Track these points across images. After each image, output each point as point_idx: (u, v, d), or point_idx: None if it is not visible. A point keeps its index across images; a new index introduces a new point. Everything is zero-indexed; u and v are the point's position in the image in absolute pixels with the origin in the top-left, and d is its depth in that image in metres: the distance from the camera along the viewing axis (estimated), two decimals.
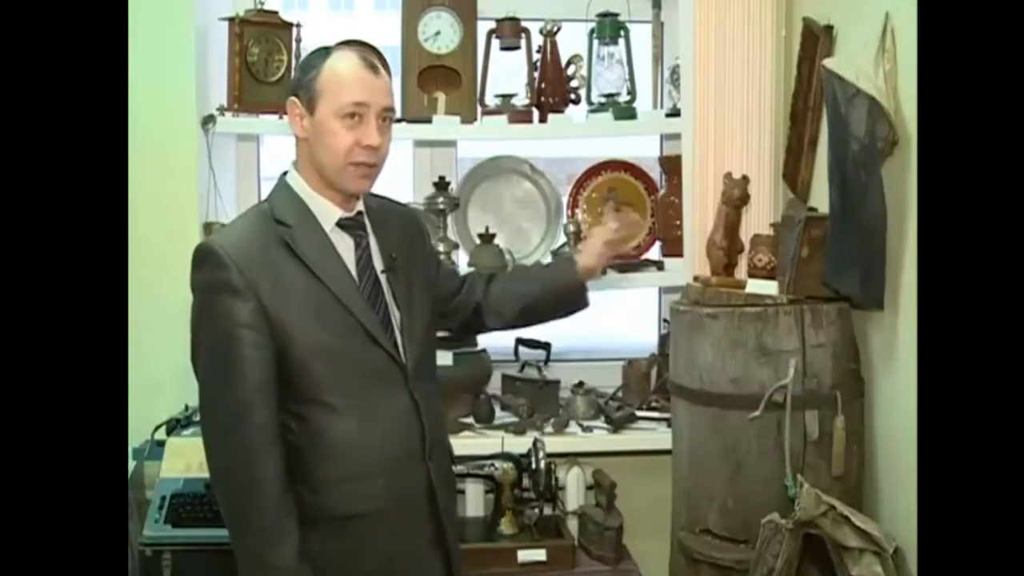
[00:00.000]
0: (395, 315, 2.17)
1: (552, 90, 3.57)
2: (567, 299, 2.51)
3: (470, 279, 2.50)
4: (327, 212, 2.14)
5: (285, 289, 2.04)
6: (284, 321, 2.02)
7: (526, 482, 3.14)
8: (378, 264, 2.19)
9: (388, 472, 2.10)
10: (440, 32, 3.53)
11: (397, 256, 2.22)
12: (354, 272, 2.14)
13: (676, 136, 3.43)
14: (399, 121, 3.47)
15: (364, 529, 2.09)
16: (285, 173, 2.20)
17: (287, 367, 2.04)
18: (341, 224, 2.15)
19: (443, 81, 3.54)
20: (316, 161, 2.12)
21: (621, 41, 3.57)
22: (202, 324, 2.08)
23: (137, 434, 2.96)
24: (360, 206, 2.20)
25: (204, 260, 2.07)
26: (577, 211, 3.77)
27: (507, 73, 3.62)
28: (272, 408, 2.02)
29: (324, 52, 2.13)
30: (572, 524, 3.29)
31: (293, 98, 2.12)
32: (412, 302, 2.22)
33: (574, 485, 3.37)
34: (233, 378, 2.01)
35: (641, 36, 3.67)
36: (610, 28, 3.55)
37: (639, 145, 3.88)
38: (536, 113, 3.55)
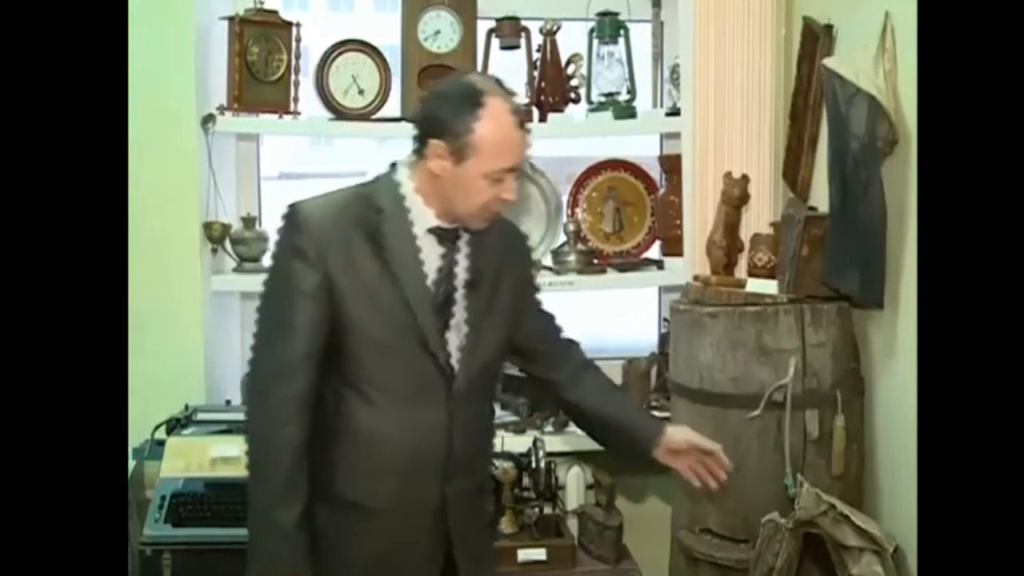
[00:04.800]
0: (461, 331, 2.15)
1: (552, 89, 3.57)
2: (628, 450, 2.45)
3: (564, 348, 2.41)
4: (424, 216, 2.11)
5: (356, 271, 2.05)
6: (346, 304, 2.05)
7: (526, 481, 3.14)
8: (462, 276, 2.15)
9: (400, 476, 2.11)
10: (440, 31, 3.53)
11: (485, 273, 2.17)
12: (431, 279, 2.11)
13: (676, 135, 3.43)
14: (399, 120, 3.48)
15: (365, 521, 2.12)
16: (395, 165, 2.16)
17: (338, 347, 2.07)
18: (433, 231, 2.12)
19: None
20: (445, 198, 2.09)
21: (621, 40, 3.57)
22: (271, 280, 2.11)
23: (137, 434, 2.96)
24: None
25: (288, 221, 2.09)
26: (577, 210, 3.76)
27: (507, 72, 3.61)
28: (312, 379, 2.06)
29: (476, 96, 2.03)
30: (572, 523, 3.28)
31: (437, 142, 2.04)
32: (485, 323, 2.18)
33: (574, 484, 3.37)
34: (282, 341, 2.05)
35: (641, 35, 3.67)
36: (610, 27, 3.55)
37: (639, 144, 3.88)
38: (536, 112, 3.54)
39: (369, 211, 2.09)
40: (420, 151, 2.09)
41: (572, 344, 2.44)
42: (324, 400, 2.09)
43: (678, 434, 2.33)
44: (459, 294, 2.15)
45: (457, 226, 2.14)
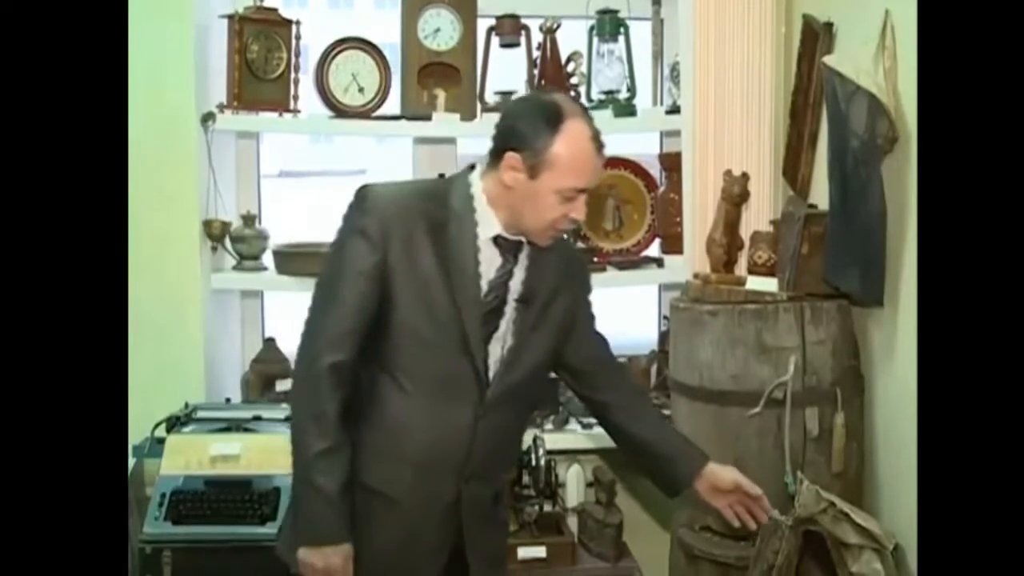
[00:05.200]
0: (505, 343, 2.17)
1: (552, 87, 3.56)
2: (666, 480, 2.40)
3: (615, 371, 2.43)
4: (489, 223, 2.14)
5: (413, 262, 2.09)
6: (396, 291, 2.08)
7: (526, 479, 3.14)
8: (515, 290, 2.17)
9: (417, 469, 2.14)
10: (440, 29, 3.53)
11: (539, 291, 2.20)
12: (484, 287, 2.14)
13: (676, 133, 3.43)
14: (398, 119, 3.49)
15: (380, 508, 2.15)
16: (472, 167, 2.19)
17: (382, 333, 2.10)
18: (496, 241, 2.15)
19: (443, 78, 3.54)
20: (514, 211, 2.11)
21: (621, 38, 3.57)
22: (332, 255, 2.16)
23: (137, 432, 2.96)
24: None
25: (359, 200, 2.13)
26: None
27: (507, 70, 3.62)
28: (354, 355, 2.09)
29: (558, 113, 2.06)
30: (572, 521, 3.29)
31: (514, 153, 2.06)
32: (530, 339, 2.20)
33: (574, 482, 3.37)
34: (332, 316, 2.09)
35: (641, 33, 3.67)
36: (610, 25, 3.55)
37: (639, 142, 3.88)
38: None
39: (437, 207, 2.13)
40: (495, 161, 2.12)
41: (623, 368, 2.47)
42: (360, 381, 2.13)
43: (726, 473, 2.33)
44: (509, 307, 2.17)
45: (520, 239, 2.16)
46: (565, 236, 2.32)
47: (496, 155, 2.11)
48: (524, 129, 2.07)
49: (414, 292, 2.09)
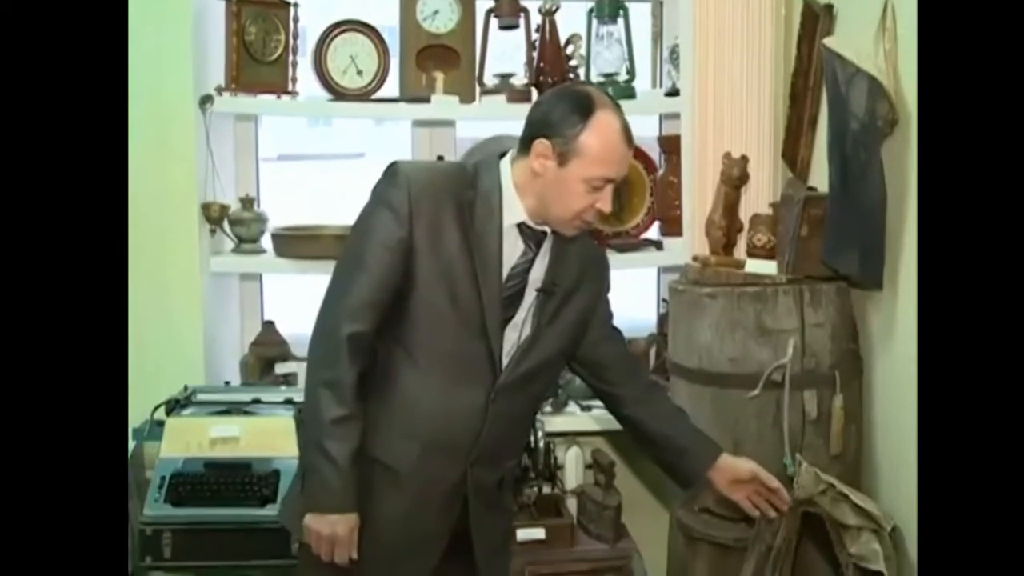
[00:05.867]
0: (522, 331, 2.18)
1: (551, 69, 3.55)
2: (679, 473, 2.42)
3: (630, 365, 2.44)
4: (515, 209, 2.15)
5: (437, 241, 2.10)
6: (420, 267, 2.09)
7: (525, 461, 3.14)
8: (535, 280, 2.19)
9: (425, 446, 2.15)
10: (438, 11, 3.52)
11: (559, 283, 2.21)
12: (506, 271, 2.15)
13: (675, 116, 3.43)
14: (397, 101, 3.48)
15: (387, 482, 2.15)
16: (503, 154, 2.20)
17: (401, 308, 2.11)
18: (521, 228, 2.16)
19: (442, 60, 3.53)
20: (542, 199, 2.12)
21: (620, 20, 3.55)
22: (357, 226, 2.16)
23: (136, 414, 2.97)
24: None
25: (389, 175, 2.14)
26: None
27: (506, 52, 3.61)
28: (373, 326, 2.10)
29: (590, 103, 2.09)
30: (571, 503, 3.29)
31: (544, 140, 2.09)
32: (547, 330, 2.21)
33: (573, 464, 3.38)
34: (354, 286, 2.09)
35: (640, 15, 3.66)
36: (609, 7, 3.53)
37: (638, 125, 3.82)
38: (535, 92, 3.53)
39: (466, 188, 2.14)
40: (525, 148, 2.13)
41: (638, 362, 2.49)
42: (376, 354, 2.13)
43: (743, 464, 2.35)
44: (528, 296, 2.18)
45: (544, 228, 2.18)
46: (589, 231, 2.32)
47: (526, 143, 2.13)
48: (555, 117, 2.09)
49: (437, 271, 2.10)
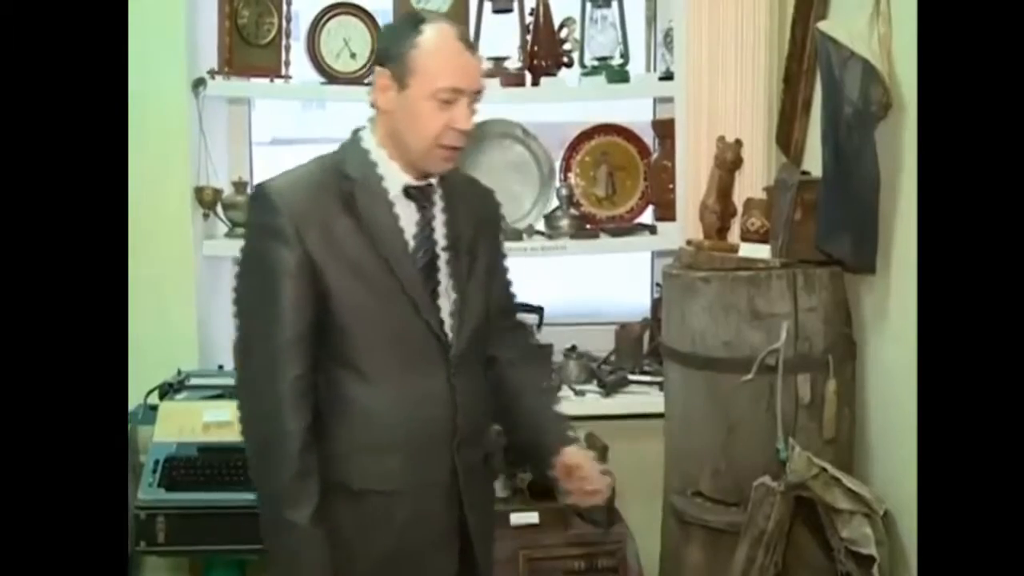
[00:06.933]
0: (449, 296, 2.10)
1: (545, 53, 3.54)
2: (527, 451, 2.33)
3: (516, 327, 2.36)
4: (396, 177, 2.07)
5: (334, 244, 1.99)
6: (329, 278, 1.99)
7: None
8: (441, 240, 2.11)
9: (407, 452, 2.06)
10: None
11: (463, 236, 2.13)
12: (411, 243, 2.06)
13: (669, 99, 3.42)
14: None
15: (378, 507, 2.05)
16: (358, 130, 2.12)
17: (326, 325, 2.00)
18: (408, 192, 2.08)
19: None
20: (399, 138, 2.05)
21: (614, 3, 3.55)
22: (247, 266, 2.05)
23: (130, 399, 2.96)
24: (433, 178, 2.12)
25: (256, 201, 2.05)
26: (570, 175, 3.76)
27: (499, 36, 3.59)
28: (307, 363, 1.99)
29: (417, 22, 2.03)
30: None
31: (382, 69, 2.03)
32: (469, 287, 2.13)
33: None
34: (271, 328, 1.98)
35: None
36: None
37: (632, 109, 3.86)
38: (529, 76, 3.53)
39: (340, 179, 2.04)
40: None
41: (523, 327, 2.39)
42: (317, 390, 2.03)
43: (579, 457, 2.18)
44: (441, 260, 2.10)
45: (430, 182, 2.10)
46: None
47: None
48: (386, 44, 2.06)
49: (347, 273, 2.00)
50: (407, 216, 2.08)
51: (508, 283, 2.34)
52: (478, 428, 2.18)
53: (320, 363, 2.02)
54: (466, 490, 2.13)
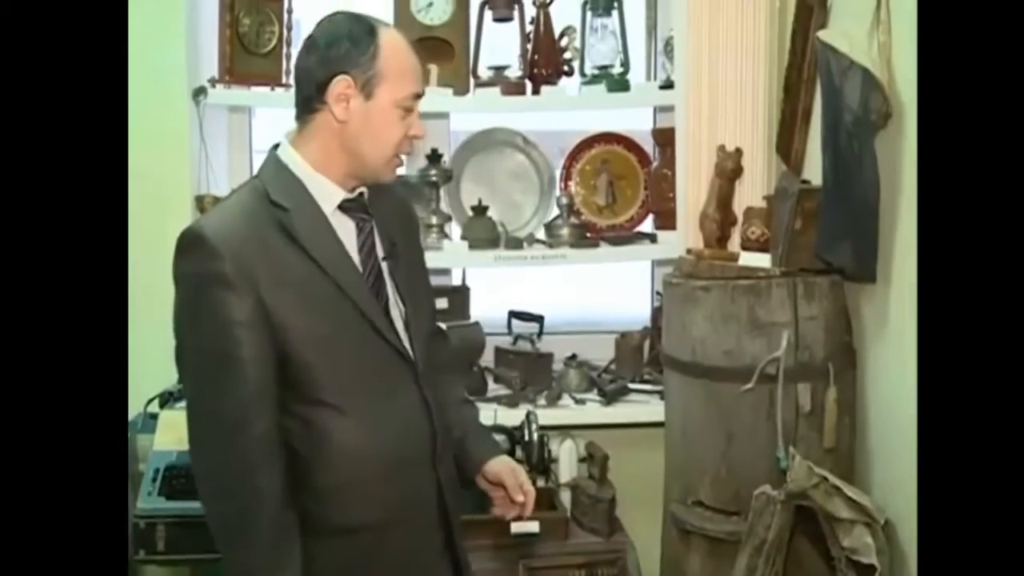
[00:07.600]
0: (400, 307, 2.01)
1: (545, 62, 3.55)
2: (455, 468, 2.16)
3: (436, 335, 2.22)
4: (328, 193, 1.94)
5: (284, 279, 1.85)
6: (283, 315, 1.84)
7: (519, 454, 3.15)
8: (379, 250, 2.01)
9: (395, 478, 1.95)
10: (433, 3, 3.52)
11: (397, 242, 2.05)
12: (357, 259, 1.96)
13: (669, 108, 3.42)
14: None
15: (371, 540, 1.95)
16: (275, 147, 2.00)
17: (287, 366, 1.86)
18: (343, 207, 1.96)
19: (436, 53, 3.52)
20: (350, 149, 1.93)
21: (615, 12, 3.56)
22: (191, 321, 1.88)
23: (129, 407, 2.96)
24: (362, 187, 2.02)
25: (192, 247, 1.86)
26: (570, 184, 3.76)
27: (500, 45, 3.60)
28: (273, 415, 1.86)
29: (370, 24, 1.93)
30: (565, 496, 3.30)
31: (345, 76, 1.89)
32: (415, 291, 2.06)
33: (567, 457, 3.38)
34: (231, 383, 1.83)
35: (635, 7, 3.65)
36: None
37: (632, 117, 3.87)
38: (529, 85, 3.54)
39: (271, 207, 1.90)
40: (311, 108, 1.93)
41: (444, 334, 2.30)
42: (291, 434, 1.89)
43: (504, 467, 2.15)
44: (384, 270, 2.01)
45: (362, 192, 2.00)
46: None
47: (307, 107, 1.93)
48: (342, 52, 1.89)
49: (299, 304, 1.86)
50: (346, 232, 1.97)
51: (431, 287, 2.28)
52: (449, 432, 2.10)
53: (289, 406, 1.89)
54: (451, 502, 2.07)
